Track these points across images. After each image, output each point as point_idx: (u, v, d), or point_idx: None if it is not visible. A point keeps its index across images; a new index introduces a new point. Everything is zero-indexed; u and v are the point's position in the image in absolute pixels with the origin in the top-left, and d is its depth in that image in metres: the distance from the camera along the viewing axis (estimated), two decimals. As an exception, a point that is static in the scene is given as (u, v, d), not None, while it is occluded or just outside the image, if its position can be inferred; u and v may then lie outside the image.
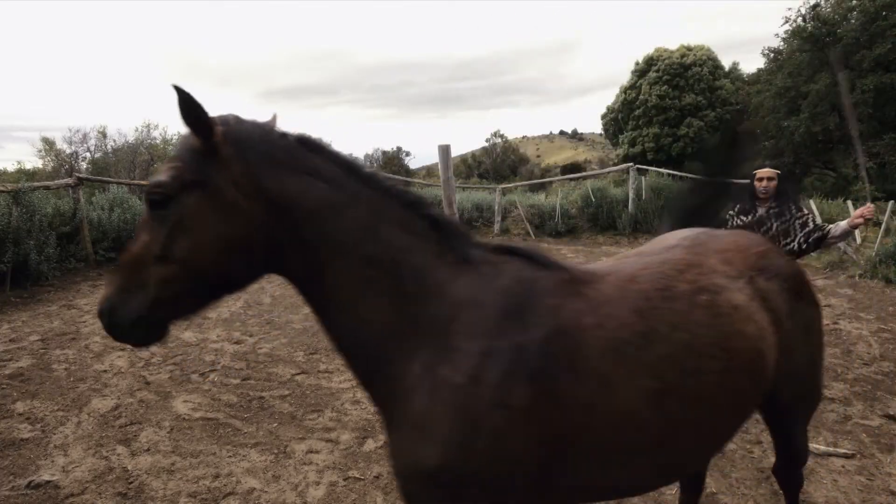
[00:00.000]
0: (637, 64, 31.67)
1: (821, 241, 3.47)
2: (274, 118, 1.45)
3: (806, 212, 3.62)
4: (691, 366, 1.37)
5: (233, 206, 1.22)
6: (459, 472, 1.25)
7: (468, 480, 1.26)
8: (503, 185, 14.67)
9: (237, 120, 1.29)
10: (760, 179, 3.71)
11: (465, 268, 1.36)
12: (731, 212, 3.84)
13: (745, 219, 3.75)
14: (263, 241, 1.26)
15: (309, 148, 1.32)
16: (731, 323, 1.45)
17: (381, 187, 1.36)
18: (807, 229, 3.50)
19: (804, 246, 3.50)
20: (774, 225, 3.61)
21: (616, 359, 1.31)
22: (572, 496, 1.45)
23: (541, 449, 1.27)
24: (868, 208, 3.31)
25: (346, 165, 1.35)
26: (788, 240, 3.55)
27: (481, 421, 1.22)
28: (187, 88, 1.18)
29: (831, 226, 3.49)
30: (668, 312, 1.40)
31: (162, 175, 1.25)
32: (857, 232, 9.30)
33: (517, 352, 1.25)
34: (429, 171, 56.53)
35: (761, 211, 3.71)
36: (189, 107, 1.20)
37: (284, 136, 1.30)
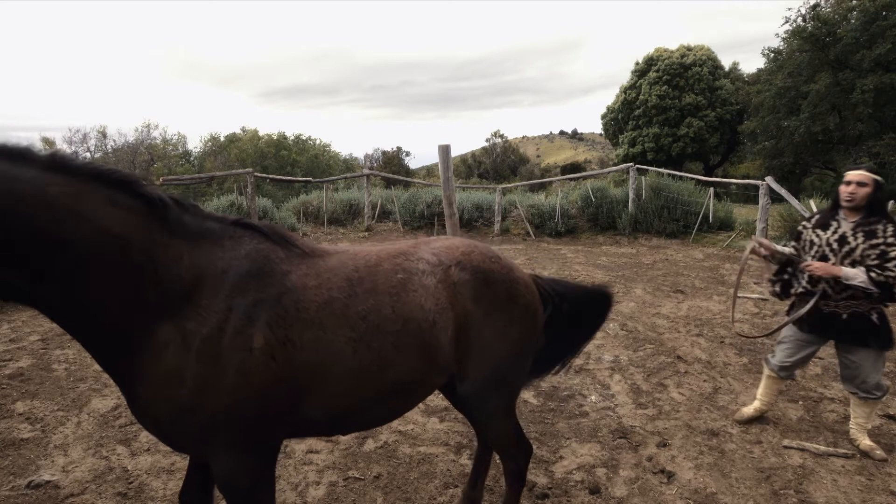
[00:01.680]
0: (637, 64, 31.66)
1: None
2: None
3: None
4: (375, 323, 1.78)
5: None
6: (213, 409, 1.53)
7: (223, 416, 1.55)
8: (503, 185, 14.66)
9: None
10: (848, 183, 2.87)
11: (204, 239, 1.62)
12: (805, 223, 3.12)
13: (821, 234, 2.96)
14: None
15: (6, 157, 1.37)
16: (414, 297, 1.87)
17: (90, 174, 1.46)
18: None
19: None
20: (860, 248, 2.80)
21: (328, 312, 1.72)
22: (319, 426, 1.84)
23: (285, 383, 1.62)
24: None
25: (48, 163, 1.41)
26: (882, 270, 2.73)
27: (227, 363, 1.52)
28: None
29: None
30: (368, 282, 1.83)
31: None
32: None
33: (256, 305, 1.59)
34: (429, 171, 56.51)
35: (846, 227, 2.88)
36: None
37: None
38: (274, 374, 1.59)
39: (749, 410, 3.56)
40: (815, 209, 9.62)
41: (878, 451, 3.14)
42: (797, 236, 3.15)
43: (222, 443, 1.60)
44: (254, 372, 1.56)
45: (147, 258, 1.50)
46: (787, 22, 22.24)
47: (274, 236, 1.79)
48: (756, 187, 10.85)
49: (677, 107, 29.31)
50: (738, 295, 6.87)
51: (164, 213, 1.56)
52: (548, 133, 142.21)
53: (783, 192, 10.16)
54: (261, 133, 34.29)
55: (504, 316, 2.03)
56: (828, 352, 4.85)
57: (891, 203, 9.64)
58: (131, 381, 1.57)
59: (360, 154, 50.22)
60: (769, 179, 10.50)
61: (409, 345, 1.84)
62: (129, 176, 1.54)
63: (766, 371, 3.52)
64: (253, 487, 1.70)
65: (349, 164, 38.76)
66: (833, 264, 2.88)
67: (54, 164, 1.42)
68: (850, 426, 3.31)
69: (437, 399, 3.87)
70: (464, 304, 1.95)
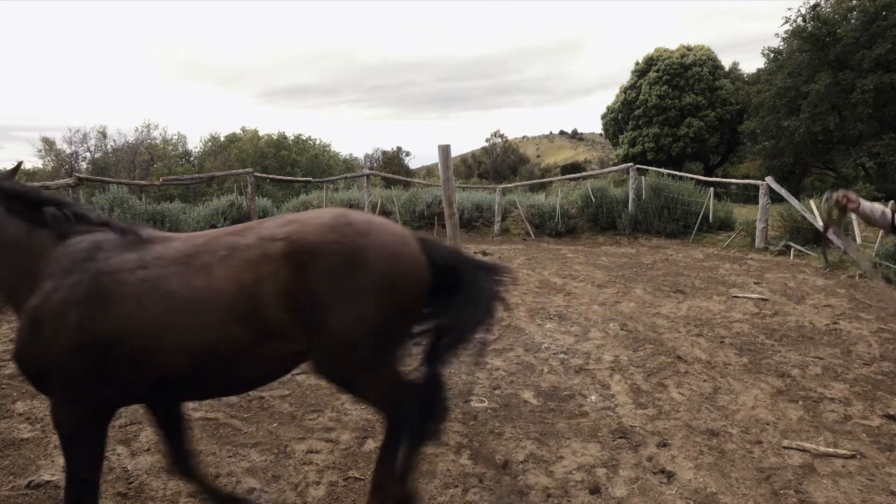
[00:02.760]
0: (637, 64, 31.66)
1: None
2: None
3: None
4: (185, 297, 1.94)
5: None
6: (38, 360, 1.98)
7: (45, 366, 1.97)
8: (503, 185, 14.67)
9: None
10: None
11: (68, 238, 2.08)
12: None
13: None
14: None
15: None
16: (230, 271, 1.97)
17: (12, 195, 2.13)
18: None
19: None
20: None
21: (140, 289, 1.95)
22: (158, 392, 2.09)
23: (95, 349, 1.93)
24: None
25: None
26: None
27: (44, 327, 1.94)
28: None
29: None
30: (185, 261, 2.00)
31: None
32: (857, 232, 9.29)
33: (74, 286, 1.96)
34: (429, 171, 56.50)
35: None
36: None
37: None
38: (82, 340, 1.92)
39: None
40: (815, 209, 9.71)
41: None
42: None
43: (52, 387, 2.00)
44: (65, 337, 1.92)
45: (21, 253, 2.09)
46: (787, 22, 22.26)
47: (117, 227, 2.14)
48: (756, 187, 10.85)
49: (677, 107, 29.31)
50: (738, 294, 6.88)
51: (49, 223, 2.10)
52: (548, 133, 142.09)
53: (783, 192, 10.16)
54: (261, 133, 34.30)
55: (345, 286, 1.95)
56: (827, 351, 4.85)
57: (890, 203, 9.65)
58: None
59: (360, 154, 50.28)
60: (769, 179, 10.50)
61: (224, 315, 1.94)
62: (29, 192, 2.18)
63: None
64: (76, 435, 2.02)
65: (349, 164, 38.79)
66: None
67: None
68: None
69: (437, 399, 3.87)
70: (289, 275, 1.94)
